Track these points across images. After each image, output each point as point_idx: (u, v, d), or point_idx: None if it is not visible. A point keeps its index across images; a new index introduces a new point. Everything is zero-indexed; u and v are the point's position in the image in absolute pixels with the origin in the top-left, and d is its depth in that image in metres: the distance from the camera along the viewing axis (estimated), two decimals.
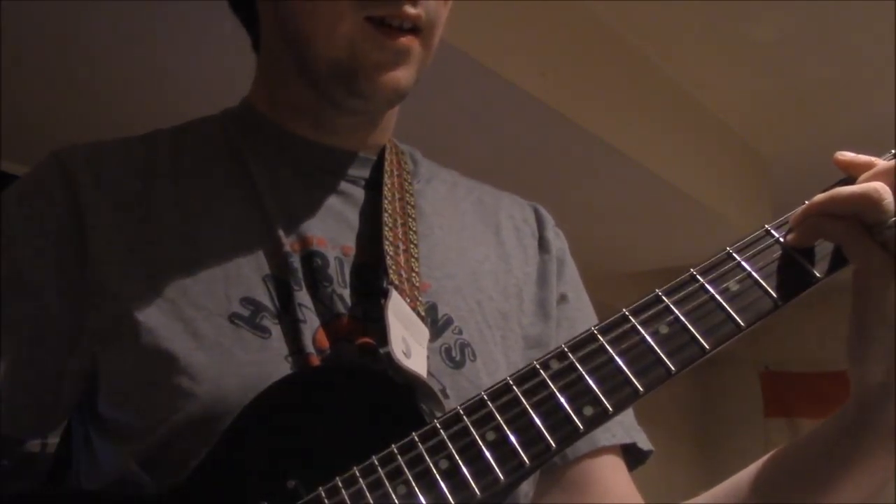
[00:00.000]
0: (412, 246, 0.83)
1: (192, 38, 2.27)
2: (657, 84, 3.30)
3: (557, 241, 0.95)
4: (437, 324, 0.80)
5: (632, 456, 0.89)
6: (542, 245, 0.94)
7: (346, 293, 0.78)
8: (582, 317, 0.92)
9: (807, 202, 0.67)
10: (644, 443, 0.89)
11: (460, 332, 0.81)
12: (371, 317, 0.78)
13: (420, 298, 0.80)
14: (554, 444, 0.62)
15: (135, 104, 2.53)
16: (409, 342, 0.74)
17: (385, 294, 0.76)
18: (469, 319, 0.83)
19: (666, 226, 3.81)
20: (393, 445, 0.64)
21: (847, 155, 0.69)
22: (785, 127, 3.75)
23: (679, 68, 3.30)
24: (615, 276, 4.04)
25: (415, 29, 0.79)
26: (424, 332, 0.77)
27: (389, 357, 0.72)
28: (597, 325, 0.66)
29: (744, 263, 0.66)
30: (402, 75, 0.79)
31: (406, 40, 0.78)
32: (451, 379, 0.77)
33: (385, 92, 0.79)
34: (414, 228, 0.85)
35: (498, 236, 0.92)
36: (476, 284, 0.86)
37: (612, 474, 0.86)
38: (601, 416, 0.63)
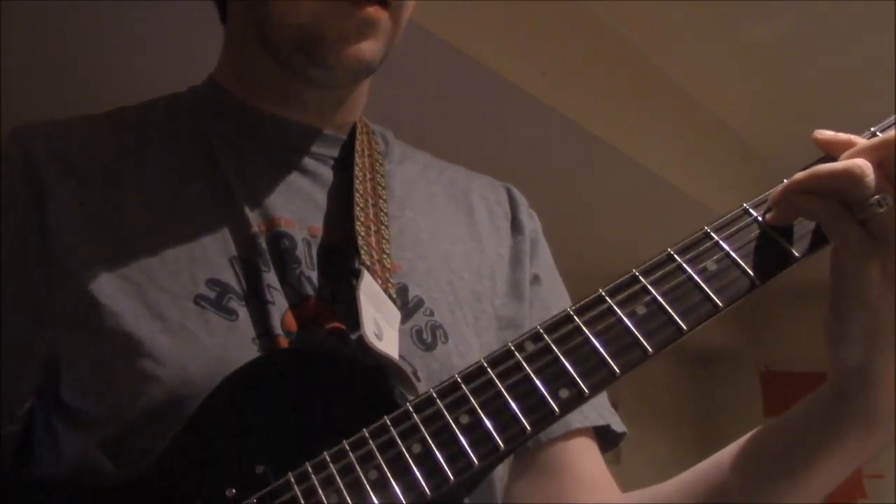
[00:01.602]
0: (383, 227, 0.82)
1: (195, 39, 2.27)
2: (657, 84, 3.30)
3: (531, 221, 0.94)
4: (407, 305, 0.79)
5: (605, 438, 0.89)
6: (515, 226, 0.92)
7: (314, 275, 0.77)
8: (555, 298, 0.91)
9: (786, 180, 0.66)
10: (617, 425, 0.88)
11: (431, 314, 0.80)
12: (339, 299, 0.76)
13: (391, 280, 0.78)
14: (529, 428, 0.61)
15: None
16: (380, 324, 0.73)
17: (357, 275, 0.75)
18: (441, 300, 0.81)
19: (665, 225, 3.80)
20: (364, 429, 0.62)
21: (826, 133, 0.67)
22: (784, 127, 3.74)
23: (679, 68, 3.30)
24: (615, 276, 4.04)
25: (383, 2, 0.77)
26: (396, 314, 0.76)
27: (361, 339, 0.70)
28: (573, 305, 0.65)
29: (721, 243, 0.65)
30: (368, 47, 0.77)
31: (373, 10, 0.76)
32: (421, 361, 0.76)
33: (349, 63, 0.77)
34: (385, 210, 0.83)
35: (470, 217, 0.91)
36: (448, 265, 0.84)
37: (583, 457, 0.86)
38: (577, 399, 0.62)
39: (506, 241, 0.91)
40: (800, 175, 0.65)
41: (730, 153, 3.79)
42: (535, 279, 0.90)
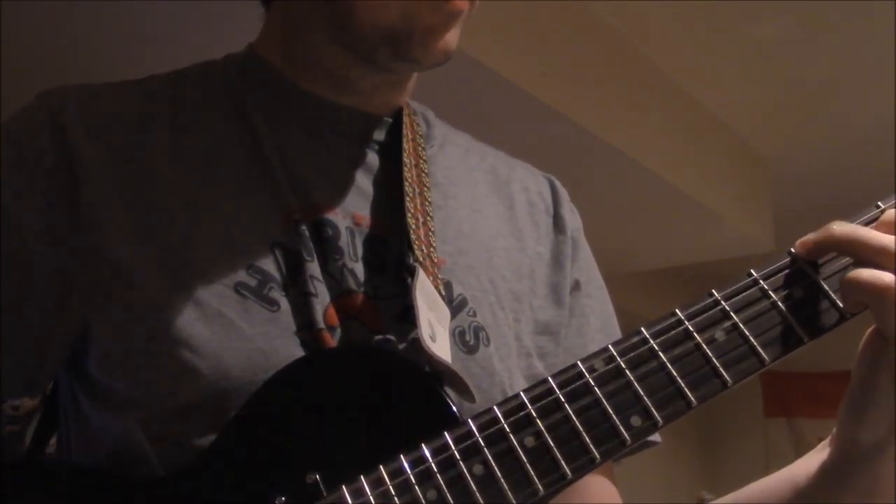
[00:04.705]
0: (429, 218, 0.78)
1: (197, 39, 2.27)
2: (657, 84, 3.30)
3: (573, 219, 0.90)
4: (452, 304, 0.75)
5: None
6: (557, 224, 0.88)
7: (358, 267, 0.73)
8: (596, 306, 0.87)
9: (835, 231, 0.64)
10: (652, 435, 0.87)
11: (474, 315, 0.76)
12: (382, 294, 0.73)
13: (439, 276, 0.75)
14: (599, 458, 0.59)
15: None
16: (433, 325, 0.69)
17: (411, 272, 0.72)
18: (483, 301, 0.77)
19: (666, 226, 3.80)
20: (423, 446, 0.60)
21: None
22: (785, 127, 3.75)
23: (679, 68, 3.29)
24: (615, 276, 4.04)
25: None
26: (446, 314, 0.72)
27: (416, 342, 0.67)
28: (647, 325, 0.63)
29: (810, 271, 0.64)
30: (452, 38, 0.75)
31: (461, 3, 0.74)
32: (462, 364, 0.72)
33: (437, 57, 0.75)
34: (429, 199, 0.79)
35: (511, 210, 0.86)
36: (489, 262, 0.80)
37: (594, 480, 0.82)
38: (650, 429, 0.60)
39: (546, 240, 0.87)
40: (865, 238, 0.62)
41: (730, 153, 3.79)
42: (576, 285, 0.86)
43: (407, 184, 0.77)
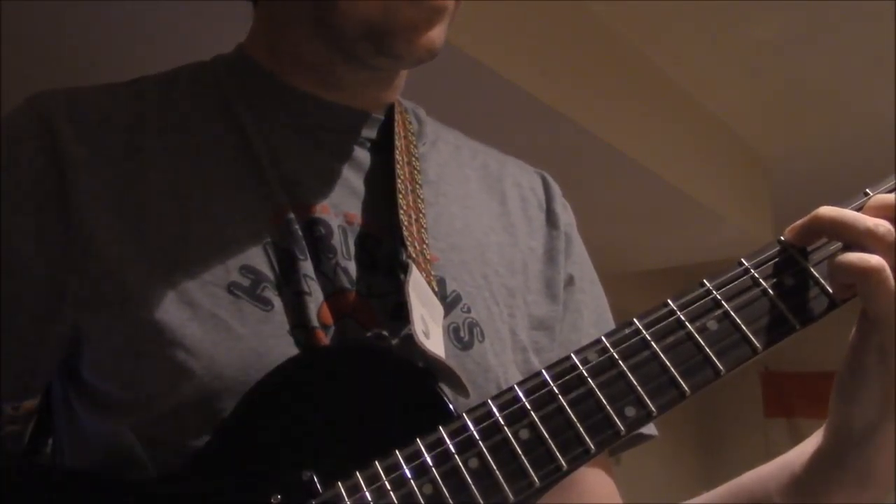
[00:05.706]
0: (421, 216, 0.78)
1: (196, 39, 2.27)
2: (657, 84, 3.30)
3: (565, 214, 0.90)
4: (446, 300, 0.75)
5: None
6: (550, 219, 0.88)
7: (351, 266, 0.73)
8: (590, 301, 0.87)
9: (823, 214, 0.63)
10: (648, 428, 0.84)
11: (468, 311, 0.76)
12: (375, 292, 0.73)
13: (432, 273, 0.75)
14: (593, 448, 0.59)
15: None
16: (427, 321, 0.69)
17: (404, 268, 0.72)
18: (477, 296, 0.78)
19: (666, 226, 3.81)
20: (419, 440, 0.60)
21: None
22: (785, 127, 3.75)
23: (679, 69, 3.30)
24: (615, 276, 4.04)
25: None
26: (439, 310, 0.73)
27: (410, 338, 0.67)
28: (640, 316, 0.63)
29: (796, 257, 0.64)
30: (437, 34, 0.74)
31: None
32: (457, 360, 0.72)
33: (419, 53, 0.74)
34: (422, 196, 0.79)
35: (503, 206, 0.86)
36: (483, 258, 0.81)
37: (593, 474, 0.83)
38: (643, 419, 0.60)
39: (539, 235, 0.87)
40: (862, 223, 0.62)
41: (730, 154, 3.80)
42: (570, 280, 0.86)
43: (399, 181, 0.77)
